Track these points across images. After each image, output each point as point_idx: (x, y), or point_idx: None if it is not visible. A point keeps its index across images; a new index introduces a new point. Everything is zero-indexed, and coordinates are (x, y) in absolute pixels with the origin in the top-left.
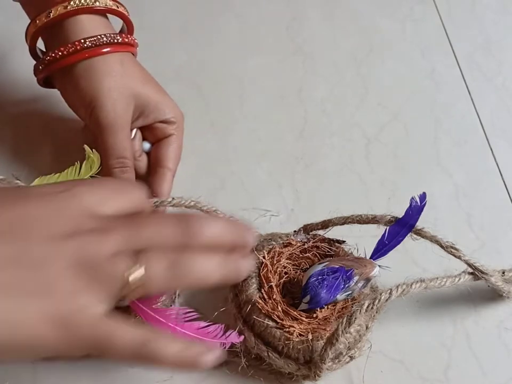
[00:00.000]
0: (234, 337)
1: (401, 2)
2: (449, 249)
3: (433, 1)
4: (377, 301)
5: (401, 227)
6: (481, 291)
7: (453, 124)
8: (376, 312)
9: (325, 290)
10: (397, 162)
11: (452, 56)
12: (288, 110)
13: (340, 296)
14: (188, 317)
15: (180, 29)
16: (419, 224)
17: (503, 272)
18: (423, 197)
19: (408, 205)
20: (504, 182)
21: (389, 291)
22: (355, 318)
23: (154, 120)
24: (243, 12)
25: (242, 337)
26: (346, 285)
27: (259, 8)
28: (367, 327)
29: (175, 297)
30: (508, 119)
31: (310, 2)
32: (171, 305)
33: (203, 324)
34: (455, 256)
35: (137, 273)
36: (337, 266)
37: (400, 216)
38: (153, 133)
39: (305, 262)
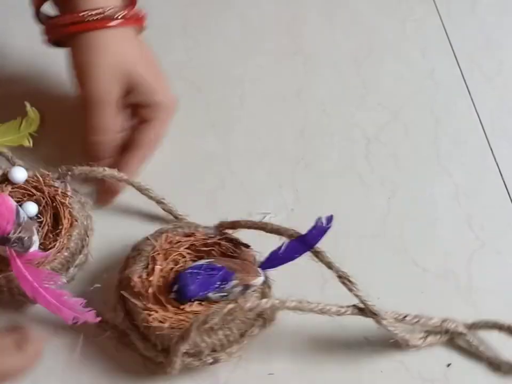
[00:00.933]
0: (91, 316)
1: (401, 2)
2: (343, 279)
3: (433, 1)
4: (240, 307)
5: (301, 244)
6: (481, 295)
7: (453, 124)
8: (265, 322)
9: (195, 284)
10: (397, 162)
11: (452, 56)
12: (288, 110)
13: (213, 295)
14: (55, 283)
15: (180, 29)
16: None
17: (405, 316)
18: (329, 219)
19: (314, 224)
20: (504, 182)
21: (258, 302)
22: (211, 319)
23: (144, 102)
24: (243, 12)
25: (99, 318)
26: (222, 286)
27: (259, 8)
28: (241, 335)
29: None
30: (507, 119)
31: (310, 2)
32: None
33: (67, 293)
34: (347, 288)
35: None
36: (219, 265)
37: (304, 233)
38: (138, 112)
39: (206, 256)
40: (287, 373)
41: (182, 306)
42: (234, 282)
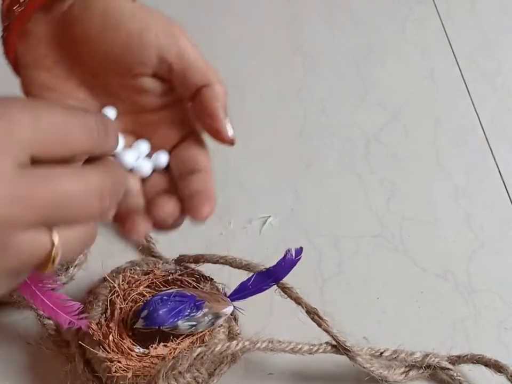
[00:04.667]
0: (84, 323)
1: (401, 2)
2: (313, 315)
3: (433, 1)
4: (209, 351)
5: (269, 277)
6: (481, 295)
7: (453, 123)
8: (229, 361)
9: (165, 309)
10: (397, 162)
11: (452, 56)
12: (287, 110)
13: (182, 324)
14: (53, 286)
15: None
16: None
17: (381, 353)
18: (299, 251)
19: (283, 256)
20: (504, 182)
21: (228, 344)
22: (180, 364)
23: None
24: (243, 12)
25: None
26: (192, 314)
27: (259, 8)
28: (210, 375)
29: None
30: (507, 119)
31: (310, 2)
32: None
33: (65, 297)
34: (318, 324)
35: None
36: (189, 294)
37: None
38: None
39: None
40: (287, 373)
41: (146, 351)
42: (204, 311)
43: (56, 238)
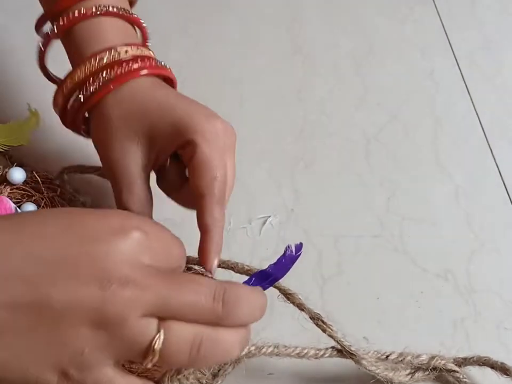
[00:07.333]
0: None
1: (401, 2)
2: (317, 321)
3: (433, 1)
4: None
5: (270, 275)
6: (481, 295)
7: (453, 123)
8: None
9: None
10: (397, 162)
11: (452, 56)
12: (287, 110)
13: None
14: None
15: (180, 29)
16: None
17: (387, 356)
18: (299, 247)
19: (283, 253)
20: (503, 182)
21: None
22: (185, 368)
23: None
24: (243, 12)
25: None
26: None
27: (259, 9)
28: (214, 376)
29: None
30: (507, 119)
31: (310, 2)
32: None
33: None
34: (321, 329)
35: (159, 343)
36: None
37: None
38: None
39: None
40: (287, 373)
41: None
42: None
43: (161, 330)
